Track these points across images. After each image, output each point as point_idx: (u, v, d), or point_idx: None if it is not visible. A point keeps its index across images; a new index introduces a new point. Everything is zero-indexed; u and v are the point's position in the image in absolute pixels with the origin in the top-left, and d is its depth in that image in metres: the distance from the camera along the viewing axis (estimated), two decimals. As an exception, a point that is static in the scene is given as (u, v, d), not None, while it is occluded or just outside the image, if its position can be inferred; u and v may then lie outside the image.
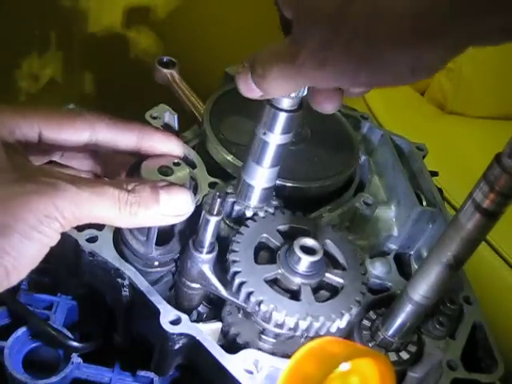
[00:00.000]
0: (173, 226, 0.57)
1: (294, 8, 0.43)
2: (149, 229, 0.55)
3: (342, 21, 0.39)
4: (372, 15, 0.38)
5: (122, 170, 0.59)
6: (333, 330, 0.52)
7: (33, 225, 0.44)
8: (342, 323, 0.52)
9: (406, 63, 0.39)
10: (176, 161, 0.55)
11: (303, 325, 0.51)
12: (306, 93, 0.51)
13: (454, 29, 0.36)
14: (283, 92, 0.49)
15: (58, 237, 0.47)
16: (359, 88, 0.49)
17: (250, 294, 0.52)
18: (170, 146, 0.56)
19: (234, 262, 0.54)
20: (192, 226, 0.56)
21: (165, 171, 0.54)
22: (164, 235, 0.58)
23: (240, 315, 0.57)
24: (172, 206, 0.50)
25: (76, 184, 0.46)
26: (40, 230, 0.45)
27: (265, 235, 0.57)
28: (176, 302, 0.57)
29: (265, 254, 0.57)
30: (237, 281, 0.53)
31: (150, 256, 0.57)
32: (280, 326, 0.52)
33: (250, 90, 0.48)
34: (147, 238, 0.56)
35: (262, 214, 0.60)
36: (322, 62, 0.41)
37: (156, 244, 0.57)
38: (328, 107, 0.49)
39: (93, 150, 0.58)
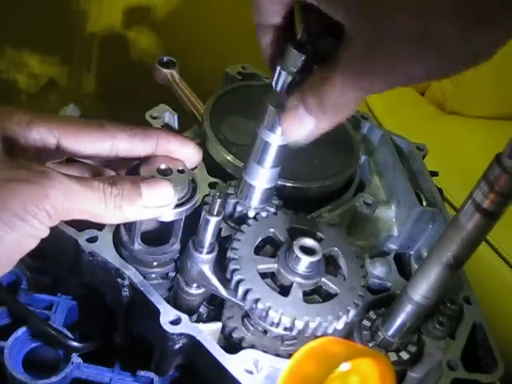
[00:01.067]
0: (170, 226, 0.57)
1: (344, 9, 0.42)
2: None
3: (395, 9, 0.38)
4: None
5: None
6: (329, 330, 0.52)
7: (17, 213, 0.43)
8: (335, 325, 0.52)
9: (470, 48, 0.39)
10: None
11: (286, 321, 0.51)
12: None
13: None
14: (347, 110, 0.47)
15: (45, 229, 0.46)
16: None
17: (247, 291, 0.52)
18: (187, 151, 0.56)
19: (234, 259, 0.54)
20: (192, 226, 0.56)
21: (164, 172, 0.54)
22: (162, 235, 0.58)
23: (240, 319, 0.57)
24: (154, 198, 0.51)
25: (67, 176, 0.47)
26: (24, 219, 0.44)
27: (272, 230, 0.57)
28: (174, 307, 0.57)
29: (267, 249, 0.57)
30: (235, 278, 0.53)
31: (148, 257, 0.57)
32: (274, 323, 0.52)
33: (301, 125, 0.47)
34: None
35: (264, 214, 0.60)
36: (373, 66, 0.41)
37: (154, 245, 0.57)
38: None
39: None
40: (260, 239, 0.57)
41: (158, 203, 0.51)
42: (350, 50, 0.42)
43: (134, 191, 0.50)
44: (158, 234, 0.57)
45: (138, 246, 0.57)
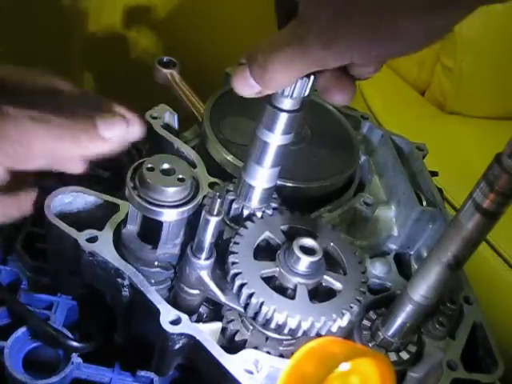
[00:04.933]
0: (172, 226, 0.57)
1: None
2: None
3: None
4: None
5: None
6: (333, 329, 0.52)
7: None
8: (339, 324, 0.52)
9: (420, 30, 0.39)
10: (180, 176, 0.55)
11: (293, 324, 0.51)
12: (307, 93, 0.50)
13: None
14: (286, 81, 0.47)
15: (3, 173, 0.46)
16: (369, 64, 0.47)
17: (251, 295, 0.52)
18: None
19: (234, 263, 0.54)
20: (191, 230, 0.56)
21: (167, 171, 0.54)
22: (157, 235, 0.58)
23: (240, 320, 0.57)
24: (110, 128, 0.51)
25: (22, 113, 0.47)
26: None
27: (267, 233, 0.57)
28: (174, 307, 0.57)
29: (265, 253, 0.57)
30: (237, 283, 0.53)
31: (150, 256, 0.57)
32: (279, 327, 0.52)
33: (246, 84, 0.47)
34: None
35: (264, 213, 0.59)
36: (332, 38, 0.41)
37: (152, 243, 0.57)
38: (340, 98, 0.48)
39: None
40: (259, 240, 0.57)
41: (114, 133, 0.51)
42: (304, 23, 0.42)
43: (88, 122, 0.50)
44: (154, 232, 0.57)
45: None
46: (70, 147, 0.49)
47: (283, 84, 0.49)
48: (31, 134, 0.47)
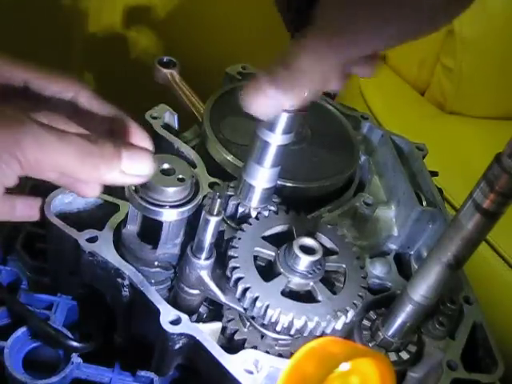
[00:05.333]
0: (172, 226, 0.57)
1: None
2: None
3: None
4: None
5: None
6: (338, 327, 0.53)
7: None
8: (343, 321, 0.53)
9: (441, 5, 0.41)
10: (180, 176, 0.55)
11: (299, 324, 0.51)
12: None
13: None
14: (318, 81, 0.45)
15: (13, 178, 0.44)
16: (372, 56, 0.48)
17: (255, 299, 0.52)
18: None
19: (235, 268, 0.54)
20: (191, 230, 0.56)
21: (167, 171, 0.54)
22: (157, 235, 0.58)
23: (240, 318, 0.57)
24: (133, 166, 0.49)
25: (44, 127, 0.45)
26: None
27: (256, 249, 0.56)
28: (174, 307, 0.57)
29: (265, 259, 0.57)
30: (240, 287, 0.53)
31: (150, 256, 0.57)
32: (285, 328, 0.52)
33: (265, 97, 0.45)
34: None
35: (265, 213, 0.60)
36: (353, 27, 0.41)
37: (152, 243, 0.57)
38: (367, 71, 0.48)
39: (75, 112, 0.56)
40: (260, 238, 0.57)
41: (136, 171, 0.49)
42: (323, 12, 0.42)
43: (114, 154, 0.47)
44: (154, 232, 0.57)
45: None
46: (86, 173, 0.47)
47: (315, 83, 0.45)
48: (49, 149, 0.44)
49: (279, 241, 0.57)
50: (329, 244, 0.58)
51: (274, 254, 0.55)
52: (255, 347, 0.55)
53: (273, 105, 0.45)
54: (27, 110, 0.47)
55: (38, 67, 0.53)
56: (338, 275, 0.56)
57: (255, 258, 0.55)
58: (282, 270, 0.54)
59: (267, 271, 0.55)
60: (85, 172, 0.47)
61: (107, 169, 0.47)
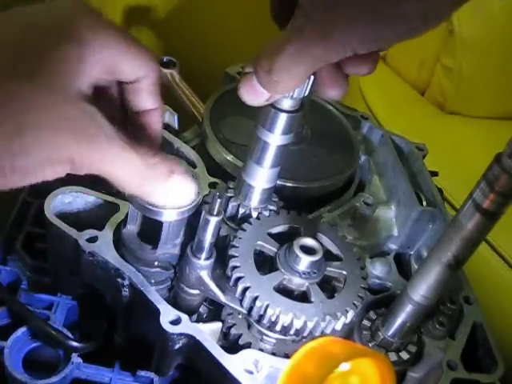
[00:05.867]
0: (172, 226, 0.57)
1: None
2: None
3: None
4: None
5: None
6: (338, 327, 0.53)
7: (50, 156, 0.41)
8: (343, 321, 0.53)
9: (420, 12, 0.39)
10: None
11: (298, 324, 0.51)
12: (307, 93, 0.50)
13: None
14: (294, 81, 0.47)
15: (63, 173, 0.44)
16: (366, 61, 0.47)
17: (255, 298, 0.52)
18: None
19: (235, 267, 0.54)
20: (191, 230, 0.56)
21: None
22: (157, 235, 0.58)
23: (240, 316, 0.57)
24: (176, 192, 0.50)
25: (118, 141, 0.44)
26: (52, 162, 0.41)
27: (259, 242, 0.56)
28: (174, 307, 0.57)
29: (265, 260, 0.57)
30: (240, 287, 0.53)
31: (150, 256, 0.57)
32: (285, 328, 0.52)
33: (255, 92, 0.47)
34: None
35: (266, 213, 0.60)
36: (330, 26, 0.41)
37: (152, 243, 0.57)
38: (334, 93, 0.48)
39: None
40: (264, 233, 0.57)
41: (176, 197, 0.50)
42: (303, 15, 0.42)
43: (165, 174, 0.48)
44: (153, 233, 0.57)
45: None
46: (130, 189, 0.47)
47: (289, 86, 0.48)
48: (109, 163, 0.44)
49: (281, 240, 0.57)
50: (333, 249, 0.58)
51: (275, 250, 0.56)
52: (259, 349, 0.55)
53: (261, 97, 0.47)
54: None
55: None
56: (339, 273, 0.56)
57: (256, 256, 0.55)
58: (280, 267, 0.54)
59: (266, 268, 0.55)
60: (132, 188, 0.47)
61: (151, 185, 0.48)
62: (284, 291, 0.53)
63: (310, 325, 0.51)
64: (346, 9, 0.40)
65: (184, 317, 0.53)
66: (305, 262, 0.53)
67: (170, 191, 0.49)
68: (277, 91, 0.47)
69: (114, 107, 0.54)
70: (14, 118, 0.40)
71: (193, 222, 0.57)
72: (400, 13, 0.40)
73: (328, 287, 0.55)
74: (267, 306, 0.51)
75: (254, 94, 0.47)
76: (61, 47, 0.44)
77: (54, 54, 0.43)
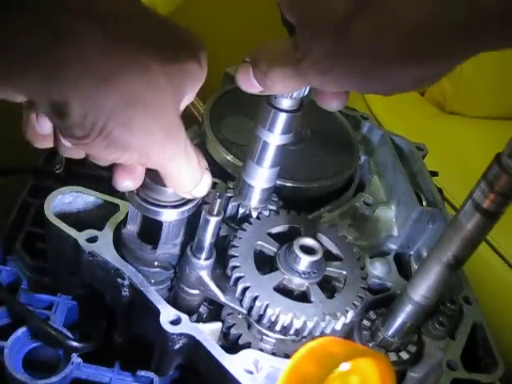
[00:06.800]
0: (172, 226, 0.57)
1: (298, 16, 0.43)
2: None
3: (345, 34, 0.39)
4: (376, 33, 0.38)
5: None
6: (338, 327, 0.53)
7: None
8: (343, 321, 0.53)
9: (412, 76, 0.40)
10: None
11: (298, 324, 0.51)
12: (306, 93, 0.51)
13: (465, 43, 0.37)
14: (285, 90, 0.50)
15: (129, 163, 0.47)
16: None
17: (255, 298, 0.52)
18: None
19: (235, 267, 0.54)
20: (191, 230, 0.56)
21: None
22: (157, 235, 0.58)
23: (240, 316, 0.57)
24: (202, 188, 0.52)
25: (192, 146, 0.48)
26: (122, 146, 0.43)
27: (259, 242, 0.56)
28: (174, 307, 0.57)
29: (265, 260, 0.57)
30: (240, 286, 0.53)
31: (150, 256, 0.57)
32: (285, 328, 0.52)
33: (250, 85, 0.48)
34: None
35: (266, 213, 0.60)
36: (324, 71, 0.42)
37: (152, 243, 0.57)
38: (333, 105, 0.49)
39: None
40: (264, 233, 0.57)
41: (199, 193, 0.52)
42: (302, 49, 0.43)
43: (199, 178, 0.51)
44: (153, 232, 0.57)
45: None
46: (185, 190, 0.50)
47: (282, 92, 0.50)
48: (176, 168, 0.47)
49: (280, 240, 0.57)
50: (332, 249, 0.58)
51: (275, 249, 0.56)
52: (259, 349, 0.55)
53: (255, 89, 0.48)
54: None
55: None
56: (339, 273, 0.56)
57: (256, 256, 0.55)
58: (280, 267, 0.54)
59: (266, 267, 0.55)
60: (183, 190, 0.50)
61: (190, 190, 0.51)
62: (284, 291, 0.53)
63: (310, 325, 0.51)
64: (339, 63, 0.41)
65: (184, 317, 0.53)
66: (305, 261, 0.53)
67: (206, 185, 0.52)
68: (271, 92, 0.49)
69: None
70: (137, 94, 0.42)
71: (193, 222, 0.57)
72: (392, 75, 0.41)
73: (328, 287, 0.55)
74: (267, 306, 0.51)
75: (249, 85, 0.48)
76: (188, 60, 0.46)
77: (181, 61, 0.46)
